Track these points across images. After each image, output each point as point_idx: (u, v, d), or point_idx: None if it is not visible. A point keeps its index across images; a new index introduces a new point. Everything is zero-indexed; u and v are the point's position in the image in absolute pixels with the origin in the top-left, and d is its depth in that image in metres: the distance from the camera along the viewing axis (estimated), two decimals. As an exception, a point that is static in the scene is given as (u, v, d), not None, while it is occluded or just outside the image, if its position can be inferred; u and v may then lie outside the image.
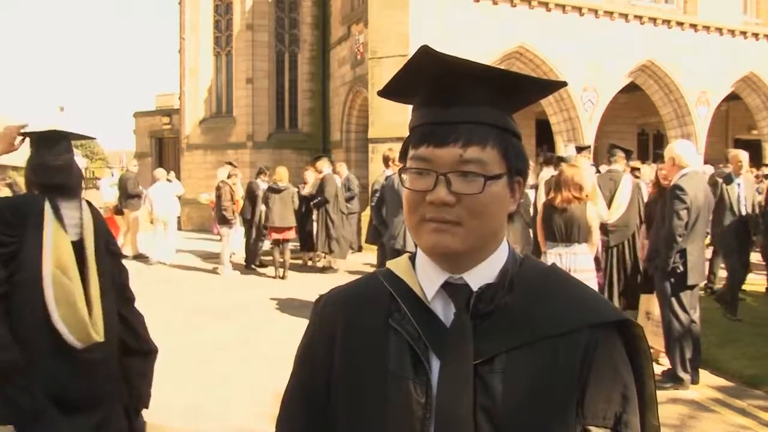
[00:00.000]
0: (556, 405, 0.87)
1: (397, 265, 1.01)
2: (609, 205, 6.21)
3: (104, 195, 13.04)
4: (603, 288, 6.01)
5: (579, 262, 4.91)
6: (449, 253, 0.90)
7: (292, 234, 10.00)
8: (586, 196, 4.98)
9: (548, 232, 5.00)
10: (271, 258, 10.39)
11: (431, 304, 0.93)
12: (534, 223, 7.12)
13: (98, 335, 2.51)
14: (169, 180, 12.23)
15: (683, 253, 4.61)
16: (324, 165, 10.29)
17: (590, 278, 4.99)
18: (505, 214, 0.93)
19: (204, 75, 18.15)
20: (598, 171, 6.91)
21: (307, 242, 10.95)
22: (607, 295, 6.01)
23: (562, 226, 4.88)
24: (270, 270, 10.35)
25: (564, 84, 1.02)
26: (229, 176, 10.70)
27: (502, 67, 0.92)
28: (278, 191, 9.79)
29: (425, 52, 0.88)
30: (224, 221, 10.20)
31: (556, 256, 4.94)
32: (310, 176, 11.16)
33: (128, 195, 11.65)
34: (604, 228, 5.91)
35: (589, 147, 7.50)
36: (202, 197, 13.09)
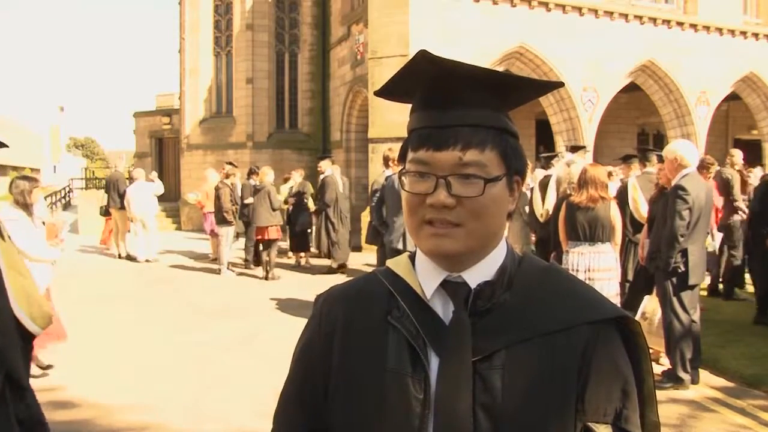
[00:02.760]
0: (555, 401, 0.88)
1: (397, 264, 1.01)
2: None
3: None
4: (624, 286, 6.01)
5: (602, 261, 4.90)
6: (450, 256, 0.91)
7: (273, 233, 9.86)
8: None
9: (571, 231, 4.97)
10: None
11: (430, 302, 0.94)
12: (532, 223, 7.12)
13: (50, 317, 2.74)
14: (151, 180, 12.26)
15: (684, 252, 4.61)
16: (327, 166, 10.31)
17: (613, 277, 4.98)
18: (504, 214, 0.94)
19: (204, 75, 18.14)
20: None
21: (299, 242, 10.95)
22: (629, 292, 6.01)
23: (585, 225, 4.86)
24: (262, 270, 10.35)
25: (561, 84, 1.03)
26: (227, 176, 10.71)
27: (500, 69, 0.92)
28: (257, 191, 9.88)
29: (423, 56, 0.88)
30: (223, 221, 10.21)
31: (579, 255, 4.92)
32: (297, 176, 11.17)
33: (118, 194, 11.70)
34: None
35: (584, 147, 7.50)
36: (190, 197, 13.12)
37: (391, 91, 0.98)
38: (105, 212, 12.47)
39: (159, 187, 12.29)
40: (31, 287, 2.72)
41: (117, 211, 11.88)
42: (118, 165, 13.25)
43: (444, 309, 0.93)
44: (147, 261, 11.56)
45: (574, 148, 7.27)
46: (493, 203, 0.90)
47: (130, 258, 11.84)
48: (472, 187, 0.88)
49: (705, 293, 7.54)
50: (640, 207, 5.98)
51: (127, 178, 12.10)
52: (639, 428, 0.91)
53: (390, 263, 1.03)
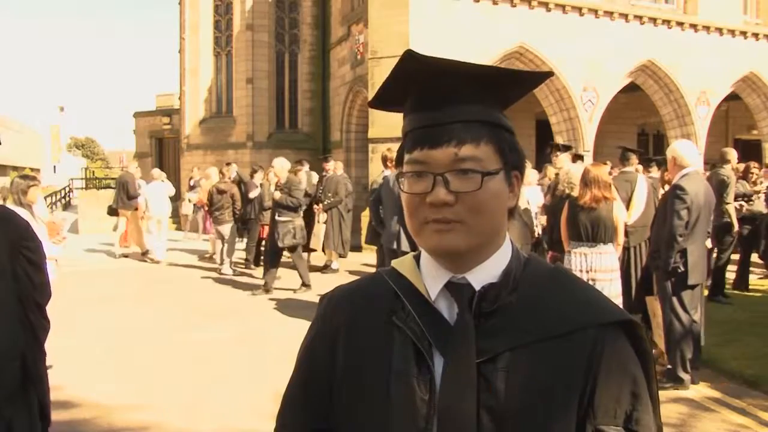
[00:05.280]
0: (558, 404, 0.87)
1: (402, 264, 1.01)
2: (627, 206, 6.19)
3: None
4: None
5: (604, 261, 4.88)
6: (452, 252, 0.90)
7: (266, 231, 9.90)
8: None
9: (573, 231, 4.96)
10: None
11: (435, 303, 0.94)
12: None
13: None
14: (161, 180, 12.35)
15: (684, 252, 4.61)
16: (331, 165, 10.35)
17: (616, 278, 4.97)
18: (505, 210, 0.93)
19: (204, 75, 18.14)
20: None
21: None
22: (625, 295, 5.98)
23: (588, 226, 4.85)
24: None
25: (551, 74, 1.02)
26: (223, 175, 10.74)
27: (489, 64, 0.92)
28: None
29: (410, 57, 0.88)
30: (231, 219, 10.26)
31: (581, 255, 4.91)
32: (303, 176, 11.20)
33: (129, 196, 11.74)
34: (624, 229, 5.91)
35: (572, 148, 7.51)
36: (190, 196, 13.17)
37: (383, 98, 0.98)
38: (112, 211, 12.56)
39: (171, 188, 12.45)
40: None
41: (128, 211, 11.93)
42: (129, 166, 13.32)
43: (449, 310, 0.93)
44: (155, 261, 11.54)
45: (565, 147, 7.26)
46: (492, 198, 0.89)
47: (144, 255, 11.97)
48: (469, 181, 0.87)
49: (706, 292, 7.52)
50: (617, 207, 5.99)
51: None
52: (651, 430, 0.90)
53: (395, 263, 1.02)
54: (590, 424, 0.88)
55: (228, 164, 11.49)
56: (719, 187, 7.51)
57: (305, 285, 8.57)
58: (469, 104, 0.90)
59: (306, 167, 10.81)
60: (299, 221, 8.50)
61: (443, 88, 0.90)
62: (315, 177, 10.98)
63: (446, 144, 0.88)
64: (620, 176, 6.51)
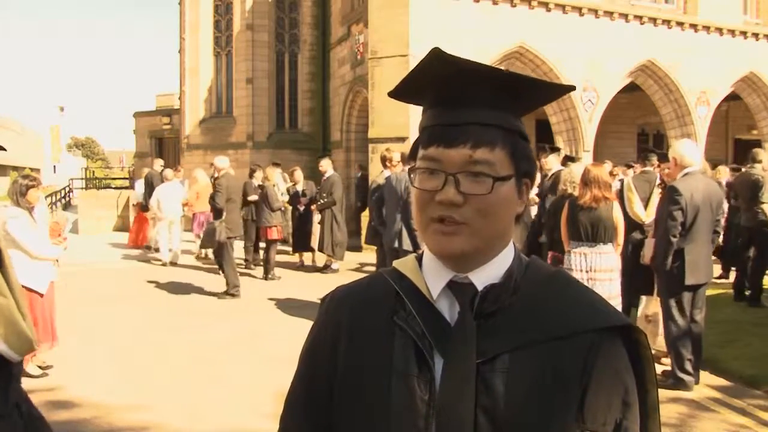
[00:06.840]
0: (556, 407, 0.87)
1: (404, 265, 1.01)
2: (645, 205, 6.19)
3: (139, 194, 13.35)
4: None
5: (604, 261, 4.89)
6: (455, 255, 0.91)
7: (273, 233, 10.01)
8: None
9: (573, 231, 4.96)
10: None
11: (436, 303, 0.94)
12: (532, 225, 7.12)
13: (36, 342, 2.34)
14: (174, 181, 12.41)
15: (681, 253, 4.61)
16: (328, 165, 10.31)
17: (615, 278, 4.98)
18: (512, 216, 0.94)
19: (204, 75, 18.15)
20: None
21: (302, 242, 10.92)
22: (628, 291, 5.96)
23: (588, 226, 4.85)
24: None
25: (572, 88, 1.03)
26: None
27: (512, 71, 0.92)
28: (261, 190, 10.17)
29: (436, 54, 0.88)
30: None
31: (580, 255, 4.91)
32: (301, 176, 11.19)
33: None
34: (641, 227, 5.90)
35: (560, 149, 7.54)
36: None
37: (404, 91, 0.98)
38: (143, 208, 12.74)
39: (183, 189, 12.56)
40: (10, 309, 2.27)
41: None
42: (155, 164, 13.40)
43: (450, 310, 0.93)
44: (173, 264, 11.44)
45: (553, 149, 7.27)
46: (501, 203, 0.90)
47: (153, 252, 12.04)
48: (480, 185, 0.88)
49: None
50: (635, 207, 6.00)
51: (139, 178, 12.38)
52: None
53: (397, 263, 1.03)
54: (578, 428, 0.88)
55: (212, 165, 11.44)
56: (753, 187, 7.47)
57: (228, 293, 8.33)
58: (488, 108, 0.91)
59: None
60: (220, 225, 8.29)
61: (465, 89, 0.91)
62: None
63: (462, 145, 0.89)
64: (640, 176, 6.52)
